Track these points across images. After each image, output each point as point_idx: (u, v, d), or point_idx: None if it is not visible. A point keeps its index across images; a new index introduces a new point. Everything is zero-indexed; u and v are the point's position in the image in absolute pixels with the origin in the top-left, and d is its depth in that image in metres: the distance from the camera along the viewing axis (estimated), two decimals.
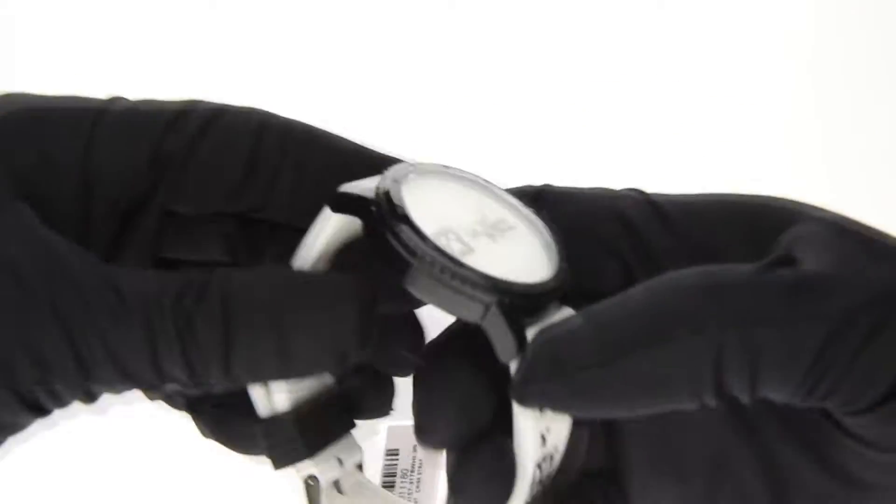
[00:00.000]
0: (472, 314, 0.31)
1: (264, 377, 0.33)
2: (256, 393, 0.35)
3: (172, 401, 0.37)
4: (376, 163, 0.34)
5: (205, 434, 0.37)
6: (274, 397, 0.35)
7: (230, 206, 0.35)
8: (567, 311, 0.32)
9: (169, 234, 0.36)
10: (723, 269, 0.30)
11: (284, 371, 0.32)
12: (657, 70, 0.61)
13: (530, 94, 0.62)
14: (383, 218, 0.31)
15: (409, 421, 0.36)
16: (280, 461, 0.35)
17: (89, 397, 0.32)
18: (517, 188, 0.35)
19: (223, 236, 0.36)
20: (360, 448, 0.37)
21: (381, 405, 0.38)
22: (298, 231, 0.35)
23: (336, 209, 0.33)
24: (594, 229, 0.34)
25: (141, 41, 0.83)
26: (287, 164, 0.35)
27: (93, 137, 0.34)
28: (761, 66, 0.62)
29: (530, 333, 0.31)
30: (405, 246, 0.31)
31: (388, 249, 0.31)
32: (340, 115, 0.79)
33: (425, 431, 0.34)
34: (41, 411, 0.32)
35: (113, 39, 0.83)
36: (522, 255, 0.32)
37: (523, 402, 0.31)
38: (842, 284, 0.29)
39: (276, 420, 0.35)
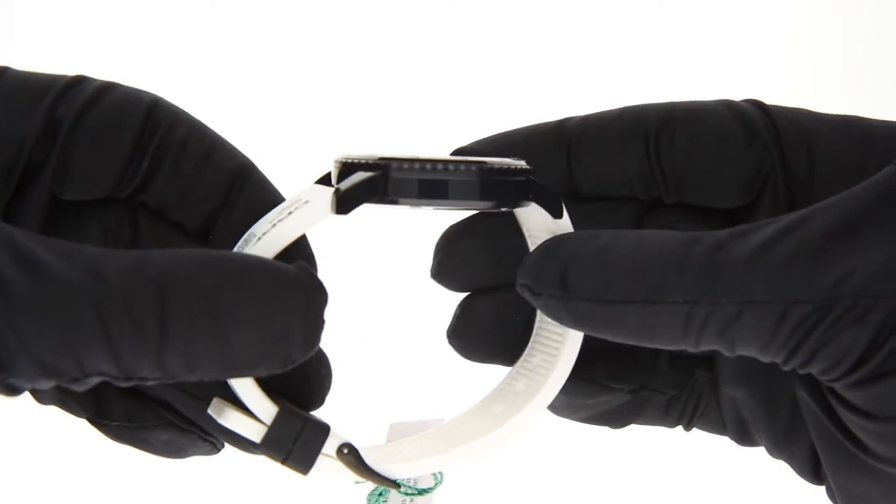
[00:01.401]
0: (519, 194, 0.33)
1: (201, 374, 0.29)
2: (234, 423, 0.33)
3: (68, 406, 0.35)
4: (242, 161, 0.35)
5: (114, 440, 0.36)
6: (257, 411, 0.33)
7: (117, 190, 0.34)
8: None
9: (52, 224, 0.34)
10: (733, 237, 0.32)
11: (224, 367, 0.30)
12: (657, 70, 0.61)
13: (530, 93, 0.62)
14: (390, 167, 0.31)
15: (411, 418, 0.37)
16: (305, 456, 0.33)
17: (11, 391, 0.29)
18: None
19: (102, 230, 0.35)
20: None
21: (314, 391, 0.36)
22: (174, 225, 0.34)
23: (344, 206, 0.31)
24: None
25: (140, 42, 0.83)
26: (174, 146, 0.34)
27: None
28: (761, 66, 0.62)
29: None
30: (432, 168, 0.32)
31: (418, 184, 0.31)
32: (340, 114, 0.79)
33: (443, 269, 0.38)
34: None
35: (112, 39, 0.83)
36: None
37: (528, 299, 0.33)
38: (825, 263, 0.31)
39: (277, 423, 0.33)
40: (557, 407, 0.38)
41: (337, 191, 0.31)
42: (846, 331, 0.30)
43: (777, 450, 0.37)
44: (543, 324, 0.37)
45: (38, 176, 0.33)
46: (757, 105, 0.37)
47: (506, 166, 0.33)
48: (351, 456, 0.34)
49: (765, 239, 0.31)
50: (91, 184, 0.34)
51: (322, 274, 0.33)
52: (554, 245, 0.34)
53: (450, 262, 0.38)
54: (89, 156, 0.34)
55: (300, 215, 0.32)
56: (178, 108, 0.35)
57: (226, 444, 0.36)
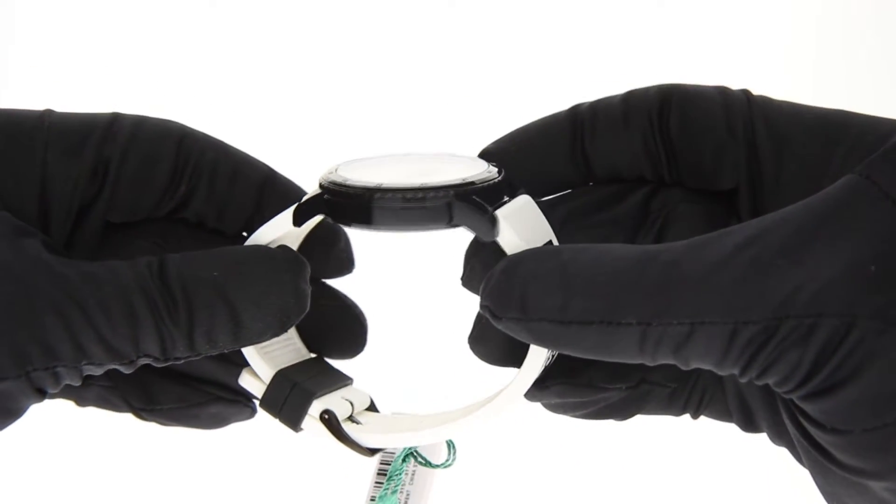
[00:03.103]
0: (440, 217, 0.35)
1: (221, 347, 0.37)
2: (245, 381, 0.40)
3: (111, 403, 0.41)
4: (266, 171, 0.41)
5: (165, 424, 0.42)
6: (259, 371, 0.40)
7: (158, 210, 0.40)
8: (524, 198, 0.36)
9: (105, 246, 0.40)
10: (691, 252, 0.33)
11: (237, 339, 0.37)
12: (657, 69, 0.61)
13: (530, 93, 0.62)
14: (334, 193, 0.36)
15: (412, 411, 0.41)
16: (292, 415, 0.39)
17: (79, 377, 0.37)
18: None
19: (150, 248, 0.41)
20: (368, 394, 0.41)
21: (349, 341, 0.42)
22: (214, 232, 0.41)
23: (299, 219, 0.37)
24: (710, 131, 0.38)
25: (140, 42, 0.83)
26: (206, 170, 0.40)
27: (46, 145, 0.39)
28: (762, 66, 0.62)
29: (501, 216, 0.35)
30: (358, 197, 0.35)
31: (348, 209, 0.36)
32: (340, 114, 0.79)
33: (468, 279, 0.40)
34: (41, 394, 0.37)
35: (112, 39, 0.83)
36: (458, 170, 0.36)
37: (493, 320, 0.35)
38: (773, 281, 0.32)
39: (270, 387, 0.39)
40: (555, 406, 0.39)
41: (297, 205, 0.37)
42: (792, 349, 0.31)
43: (778, 437, 0.38)
44: None
45: (91, 208, 0.39)
46: (746, 97, 0.38)
47: (432, 190, 0.35)
48: (331, 421, 0.39)
49: (719, 256, 0.32)
50: (136, 209, 0.40)
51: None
52: (513, 265, 0.35)
53: (472, 272, 0.40)
54: (134, 188, 0.40)
55: (273, 222, 0.38)
56: (203, 134, 0.41)
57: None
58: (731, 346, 0.32)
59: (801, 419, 0.33)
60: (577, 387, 0.38)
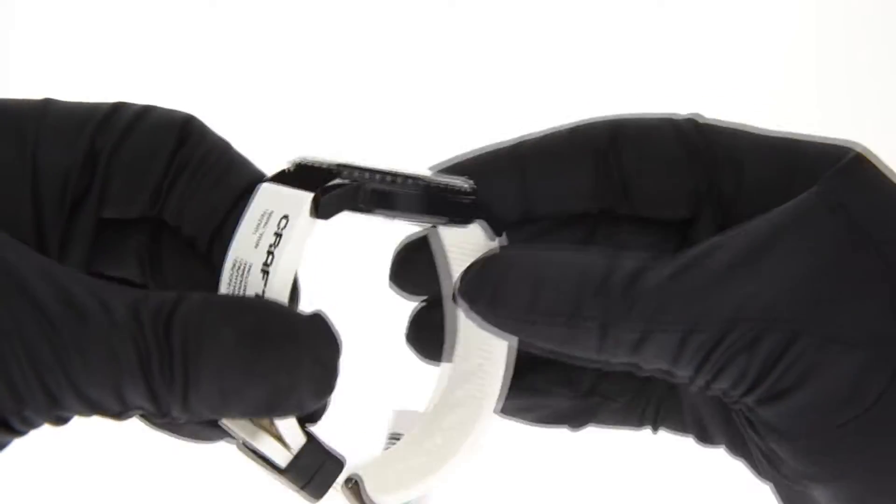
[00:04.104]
0: (468, 210, 0.36)
1: (224, 415, 0.33)
2: (264, 445, 0.35)
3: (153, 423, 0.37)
4: (252, 178, 0.36)
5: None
6: (288, 440, 0.35)
7: (154, 208, 0.36)
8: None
9: (98, 244, 0.37)
10: (651, 264, 0.34)
11: (244, 414, 0.33)
12: (657, 69, 0.61)
13: (530, 93, 0.62)
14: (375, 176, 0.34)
15: (417, 408, 0.41)
16: (321, 485, 0.35)
17: (60, 421, 0.32)
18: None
19: (138, 249, 0.37)
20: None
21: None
22: (188, 241, 0.36)
23: (325, 211, 0.33)
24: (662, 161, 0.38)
25: (139, 40, 0.83)
26: (190, 166, 0.36)
27: (37, 138, 0.35)
28: (762, 66, 0.62)
29: None
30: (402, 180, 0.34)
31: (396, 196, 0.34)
32: (340, 114, 0.79)
33: (396, 278, 0.39)
34: (16, 433, 0.32)
35: (111, 38, 0.83)
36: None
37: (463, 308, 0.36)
38: (725, 291, 0.33)
39: (303, 455, 0.35)
40: (504, 411, 0.40)
41: (316, 198, 0.32)
42: (740, 356, 0.33)
43: (734, 450, 0.38)
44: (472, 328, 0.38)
45: (83, 202, 0.36)
46: (695, 125, 0.39)
47: (455, 187, 0.36)
48: (355, 488, 0.37)
49: (678, 267, 0.34)
50: (127, 206, 0.36)
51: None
52: (492, 259, 0.36)
53: (401, 272, 0.40)
54: (125, 182, 0.36)
55: (293, 236, 0.33)
56: (211, 131, 0.37)
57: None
58: (681, 352, 0.33)
59: (752, 429, 0.35)
60: (519, 390, 0.39)
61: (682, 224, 0.39)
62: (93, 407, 0.31)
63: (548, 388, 0.40)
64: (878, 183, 0.35)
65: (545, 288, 0.35)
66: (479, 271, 0.36)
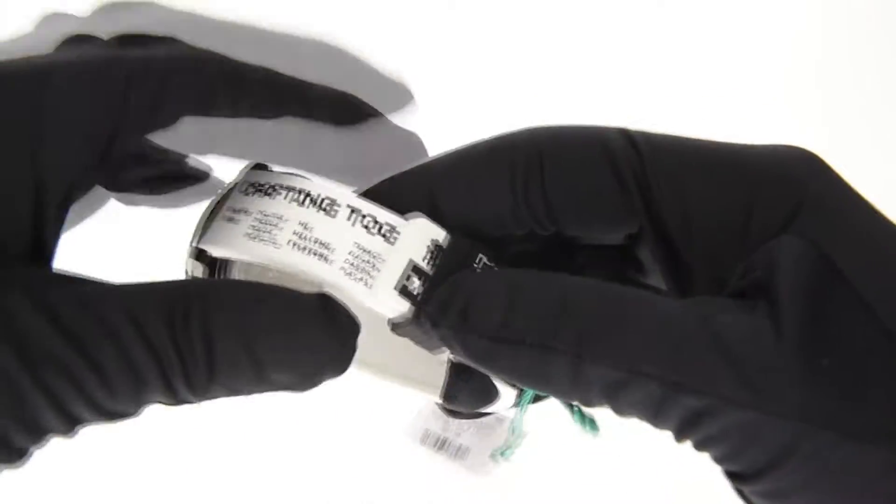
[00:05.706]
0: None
1: (241, 395, 0.33)
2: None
3: None
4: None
5: None
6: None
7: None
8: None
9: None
10: (639, 294, 0.32)
11: (262, 390, 0.33)
12: (657, 69, 0.61)
13: (530, 93, 0.62)
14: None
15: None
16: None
17: (73, 434, 0.33)
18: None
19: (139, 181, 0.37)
20: None
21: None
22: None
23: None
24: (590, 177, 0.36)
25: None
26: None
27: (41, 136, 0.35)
28: (762, 66, 0.62)
29: None
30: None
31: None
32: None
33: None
34: (29, 454, 0.33)
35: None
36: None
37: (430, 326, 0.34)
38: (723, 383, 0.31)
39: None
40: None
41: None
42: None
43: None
44: None
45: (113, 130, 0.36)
46: (629, 141, 0.36)
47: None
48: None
49: (672, 306, 0.32)
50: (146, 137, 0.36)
51: None
52: (461, 278, 0.34)
53: None
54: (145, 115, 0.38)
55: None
56: (243, 65, 0.39)
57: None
58: (663, 405, 0.31)
59: (736, 488, 0.34)
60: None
61: (619, 247, 0.37)
62: (113, 417, 0.32)
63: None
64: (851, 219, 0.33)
65: (518, 307, 0.32)
66: (448, 287, 0.34)
